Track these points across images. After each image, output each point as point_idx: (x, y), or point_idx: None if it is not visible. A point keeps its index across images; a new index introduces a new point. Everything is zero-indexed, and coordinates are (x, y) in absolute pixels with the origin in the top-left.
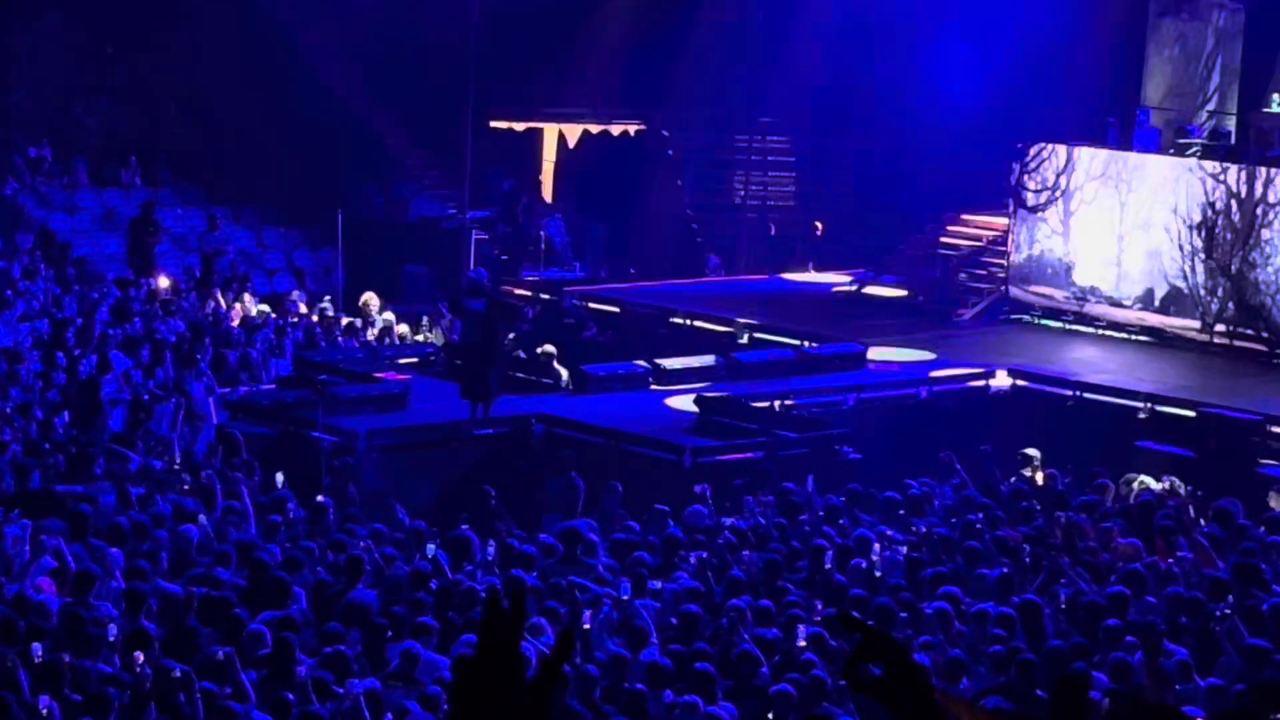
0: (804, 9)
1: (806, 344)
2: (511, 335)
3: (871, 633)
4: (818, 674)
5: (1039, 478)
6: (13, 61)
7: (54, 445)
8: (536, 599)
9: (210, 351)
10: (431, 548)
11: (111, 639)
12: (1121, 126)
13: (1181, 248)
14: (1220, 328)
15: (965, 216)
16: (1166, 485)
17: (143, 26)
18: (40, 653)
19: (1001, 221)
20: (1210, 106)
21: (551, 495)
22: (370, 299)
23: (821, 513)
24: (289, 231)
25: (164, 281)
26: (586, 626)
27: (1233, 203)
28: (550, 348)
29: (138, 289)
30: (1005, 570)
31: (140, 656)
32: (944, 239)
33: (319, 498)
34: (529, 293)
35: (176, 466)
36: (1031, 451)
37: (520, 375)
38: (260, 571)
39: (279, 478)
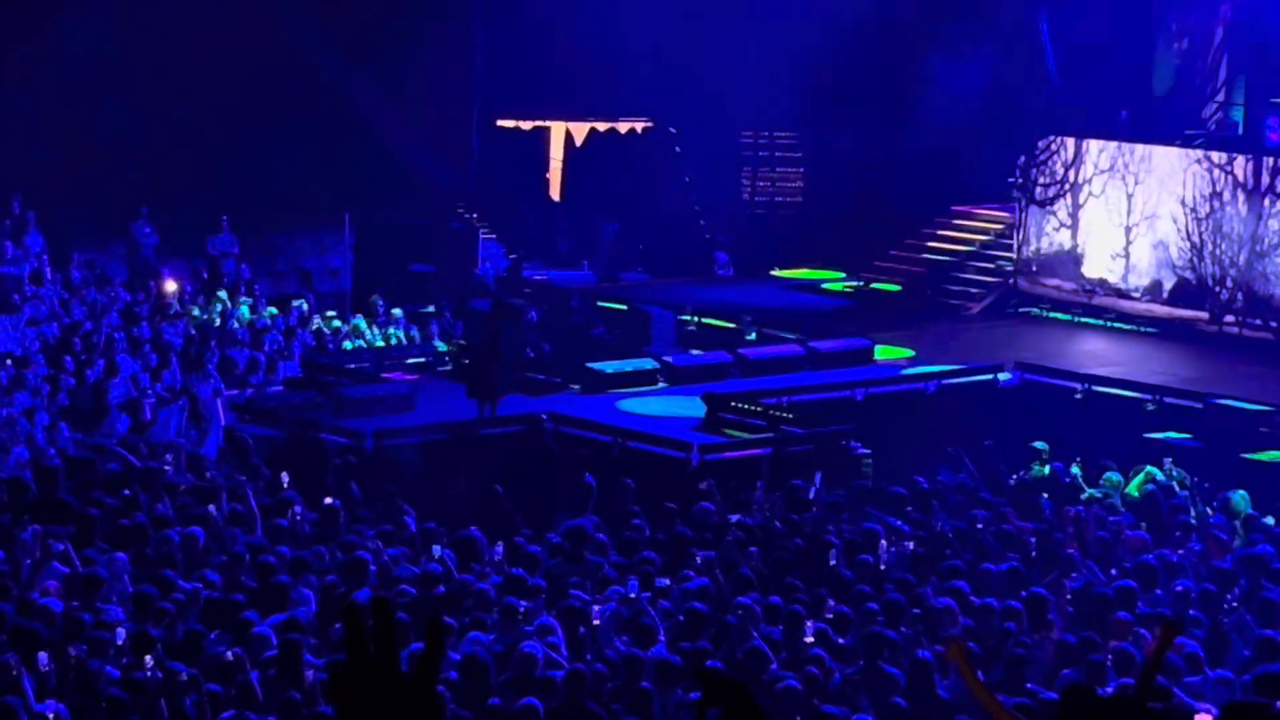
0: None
1: (811, 340)
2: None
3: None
4: (829, 667)
5: (1048, 471)
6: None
7: (61, 450)
8: (545, 599)
9: (217, 354)
10: (438, 549)
11: (120, 642)
12: (1131, 118)
13: (1189, 239)
14: (1229, 318)
15: (972, 210)
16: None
17: (150, 28)
18: (47, 658)
19: (1008, 215)
20: (1219, 98)
21: (564, 495)
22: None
23: (829, 508)
24: (296, 233)
25: (170, 285)
26: (596, 623)
27: (1240, 194)
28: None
29: (146, 293)
30: (1014, 564)
31: (149, 660)
32: (948, 233)
33: (327, 499)
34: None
35: (183, 469)
36: (1040, 445)
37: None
38: (267, 574)
39: (285, 479)
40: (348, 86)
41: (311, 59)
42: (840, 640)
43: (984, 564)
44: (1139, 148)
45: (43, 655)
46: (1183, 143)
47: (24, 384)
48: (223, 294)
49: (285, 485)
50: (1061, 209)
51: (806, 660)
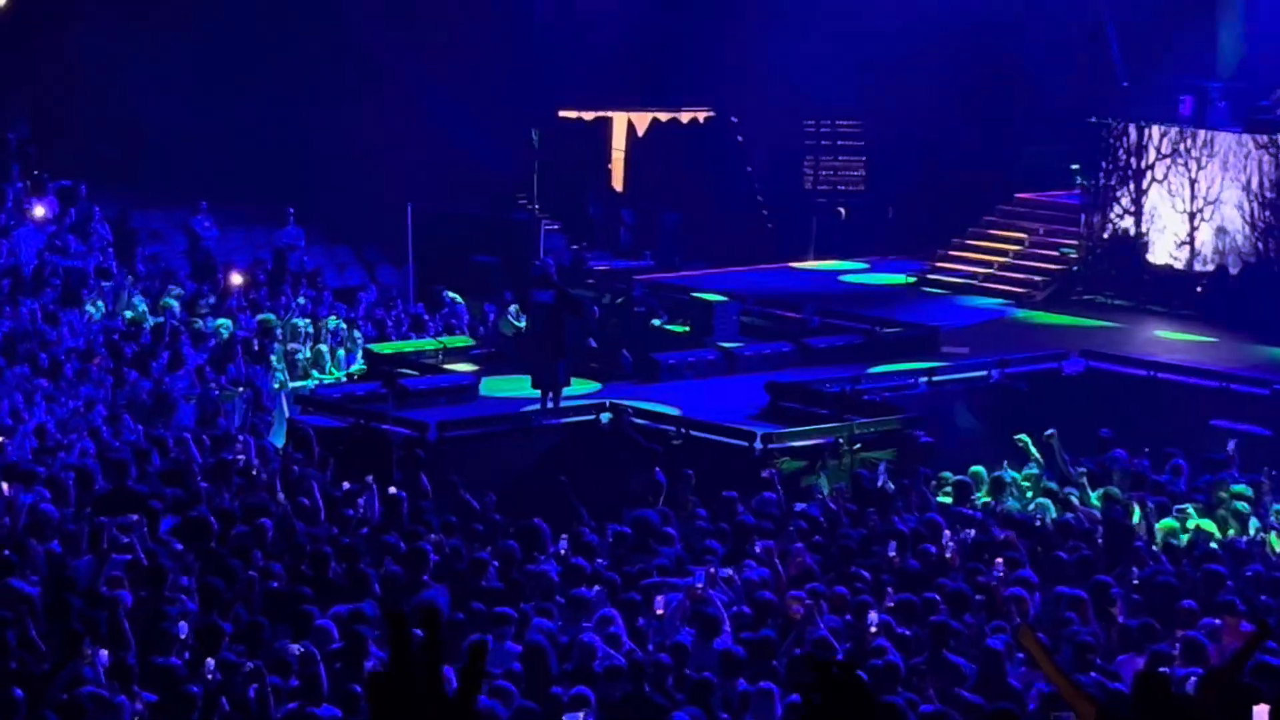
0: None
1: (876, 328)
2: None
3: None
4: (891, 659)
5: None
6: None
7: (126, 443)
8: (609, 589)
9: (280, 347)
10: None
11: (183, 635)
12: (1195, 103)
13: (1254, 224)
14: None
15: (1034, 197)
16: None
17: (211, 23)
18: (106, 653)
19: (1071, 202)
20: None
21: (634, 489)
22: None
23: (893, 497)
24: (358, 225)
25: (236, 278)
26: (660, 613)
27: None
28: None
29: (211, 285)
30: (1083, 553)
31: (210, 663)
32: (1011, 221)
33: (391, 490)
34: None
35: (250, 461)
36: (1105, 433)
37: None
38: (330, 565)
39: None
40: (410, 79)
41: (373, 52)
42: (903, 630)
43: (1052, 552)
44: (1201, 133)
45: (103, 653)
46: (1247, 127)
47: (89, 377)
48: (287, 287)
49: (349, 477)
50: (1125, 195)
51: (871, 651)
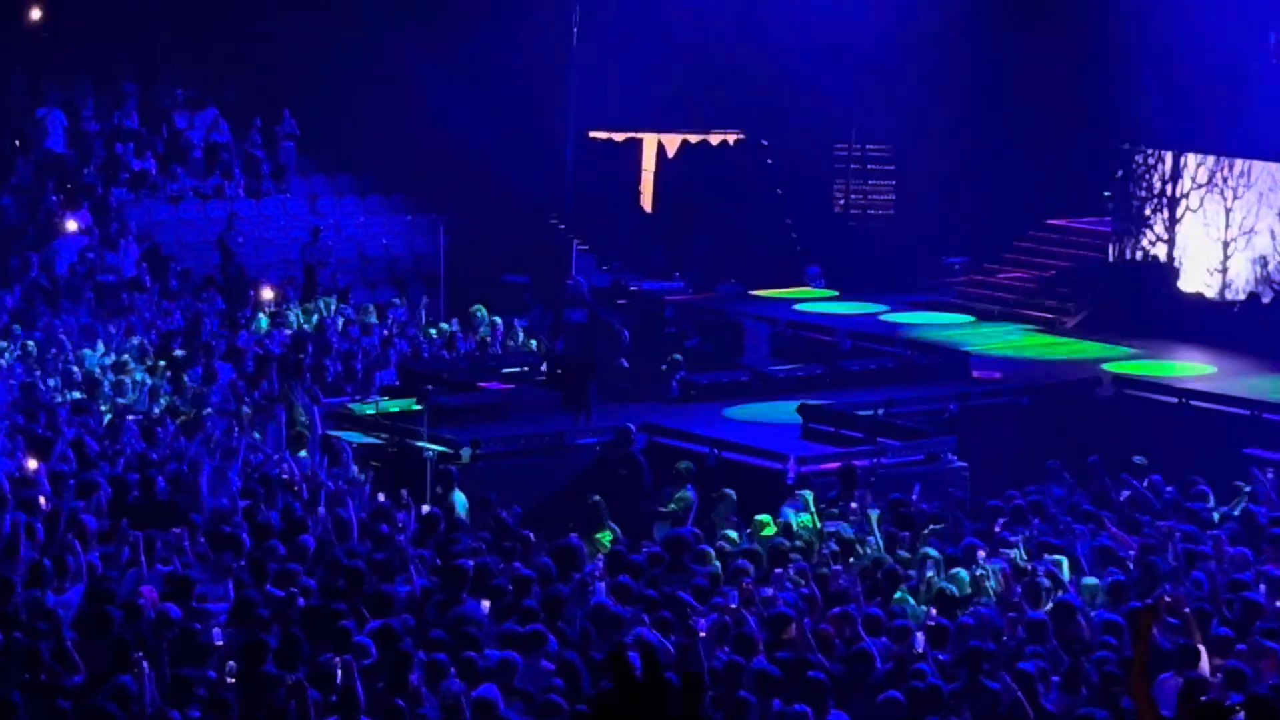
0: (903, 16)
1: (908, 351)
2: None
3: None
4: (933, 682)
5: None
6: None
7: (161, 456)
8: (646, 608)
9: (312, 362)
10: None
11: (219, 643)
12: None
13: None
14: None
15: (1068, 224)
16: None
17: (250, 51)
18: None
19: (1104, 229)
20: None
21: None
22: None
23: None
24: (390, 243)
25: (268, 293)
26: (702, 635)
27: None
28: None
29: (244, 300)
30: (1117, 578)
31: (237, 666)
32: (1044, 247)
33: (426, 507)
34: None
35: (285, 476)
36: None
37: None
38: (364, 580)
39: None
40: (444, 99)
41: (407, 72)
42: (939, 655)
43: (1083, 578)
44: (1238, 162)
45: (146, 665)
46: None
47: (123, 390)
48: (322, 302)
49: (384, 494)
50: (1159, 223)
51: (911, 675)
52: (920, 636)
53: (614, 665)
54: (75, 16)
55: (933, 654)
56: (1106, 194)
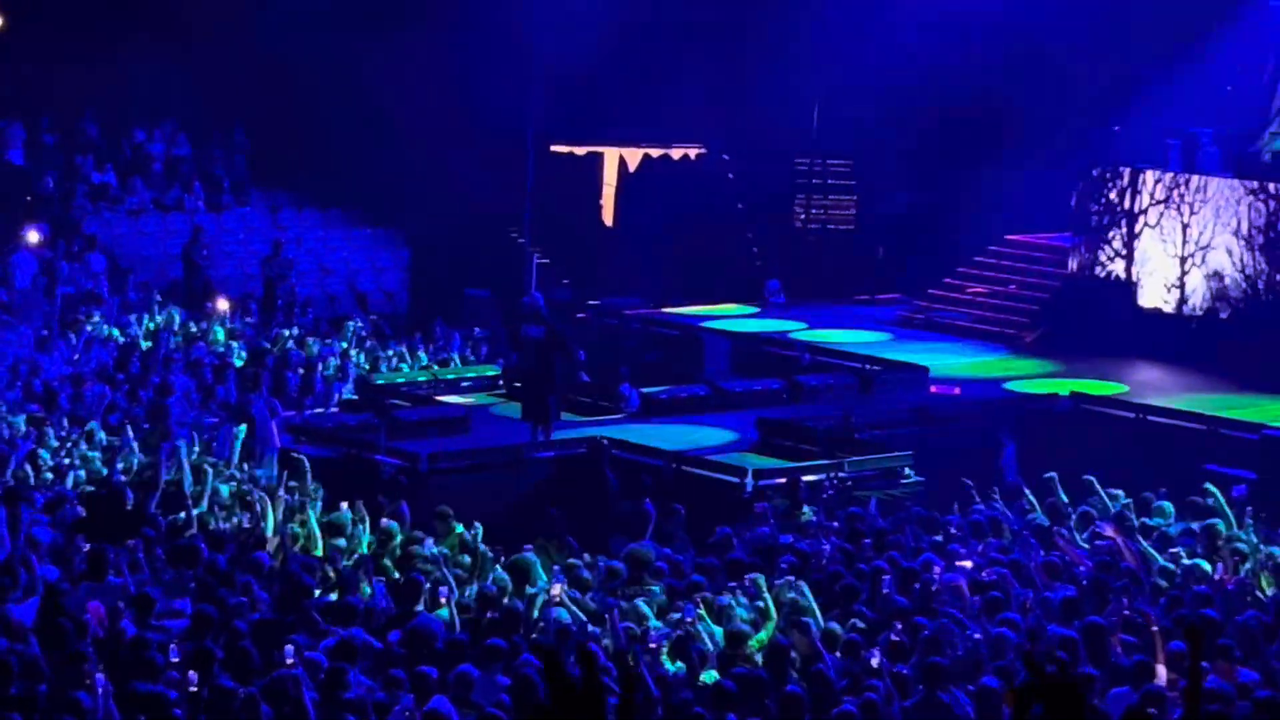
0: (865, 32)
1: (866, 365)
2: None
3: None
4: (885, 695)
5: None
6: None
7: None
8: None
9: (271, 375)
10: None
11: (175, 660)
12: (1183, 148)
13: (1244, 270)
14: None
15: (1025, 239)
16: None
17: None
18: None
19: (1062, 244)
20: (1273, 128)
21: (622, 520)
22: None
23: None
24: (350, 256)
25: (222, 304)
26: (653, 646)
27: None
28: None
29: (200, 313)
30: (1070, 593)
31: (194, 675)
32: (1002, 261)
33: (383, 521)
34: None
35: (243, 488)
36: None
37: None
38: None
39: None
40: (405, 112)
41: (369, 85)
42: (898, 668)
43: (1042, 594)
44: (1194, 178)
45: (100, 677)
46: (1238, 173)
47: (82, 402)
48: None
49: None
50: (1116, 238)
51: (866, 688)
52: (871, 652)
53: (550, 674)
54: (34, 28)
55: (890, 668)
56: (1068, 208)
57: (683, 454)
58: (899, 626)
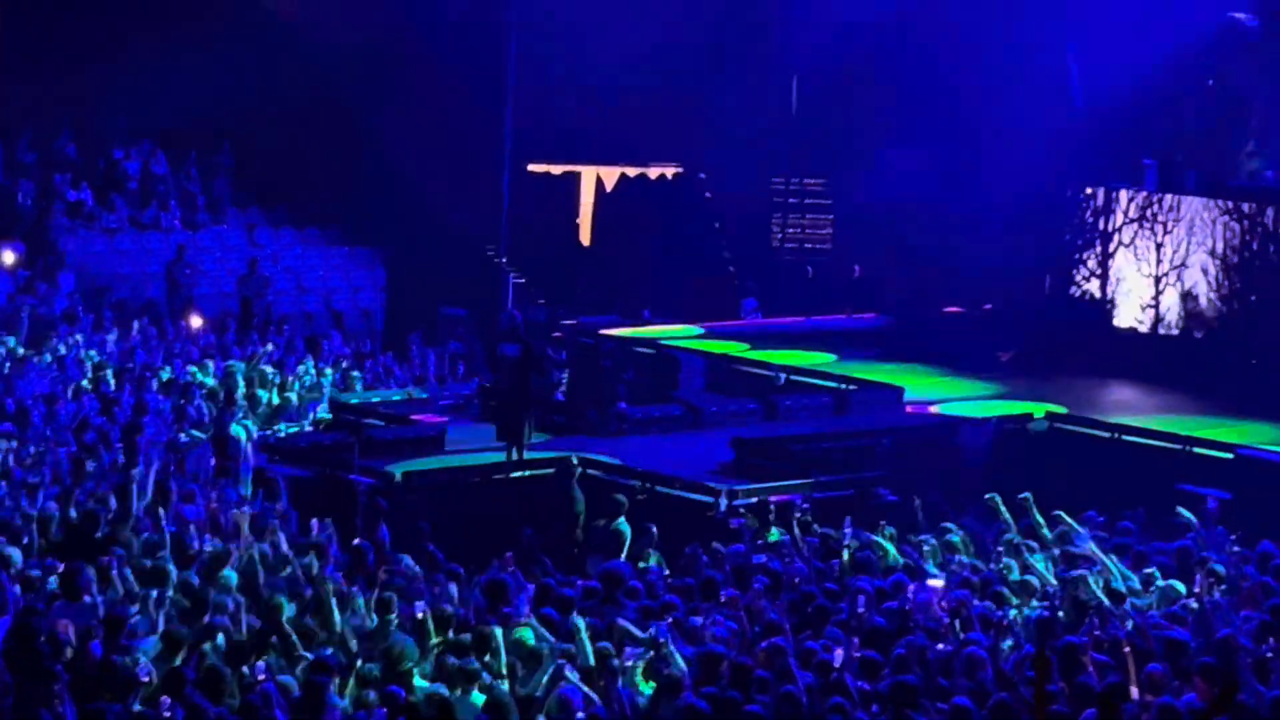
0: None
1: (843, 385)
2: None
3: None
4: (858, 716)
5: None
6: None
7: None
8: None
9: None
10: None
11: (145, 679)
12: (1159, 168)
13: (1219, 289)
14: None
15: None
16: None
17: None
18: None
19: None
20: (1249, 148)
21: (597, 539)
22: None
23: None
24: (327, 275)
25: (196, 321)
26: (629, 664)
27: (1270, 245)
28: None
29: (175, 331)
30: (1043, 613)
31: (167, 700)
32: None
33: (356, 541)
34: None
35: (214, 507)
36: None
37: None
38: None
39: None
40: (382, 131)
41: (346, 104)
42: (868, 686)
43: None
44: (1168, 197)
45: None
46: (1212, 193)
47: (55, 421)
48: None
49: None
50: (1091, 258)
51: (832, 709)
52: (838, 670)
53: None
54: (11, 45)
55: (861, 686)
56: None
57: (655, 474)
58: (856, 642)
